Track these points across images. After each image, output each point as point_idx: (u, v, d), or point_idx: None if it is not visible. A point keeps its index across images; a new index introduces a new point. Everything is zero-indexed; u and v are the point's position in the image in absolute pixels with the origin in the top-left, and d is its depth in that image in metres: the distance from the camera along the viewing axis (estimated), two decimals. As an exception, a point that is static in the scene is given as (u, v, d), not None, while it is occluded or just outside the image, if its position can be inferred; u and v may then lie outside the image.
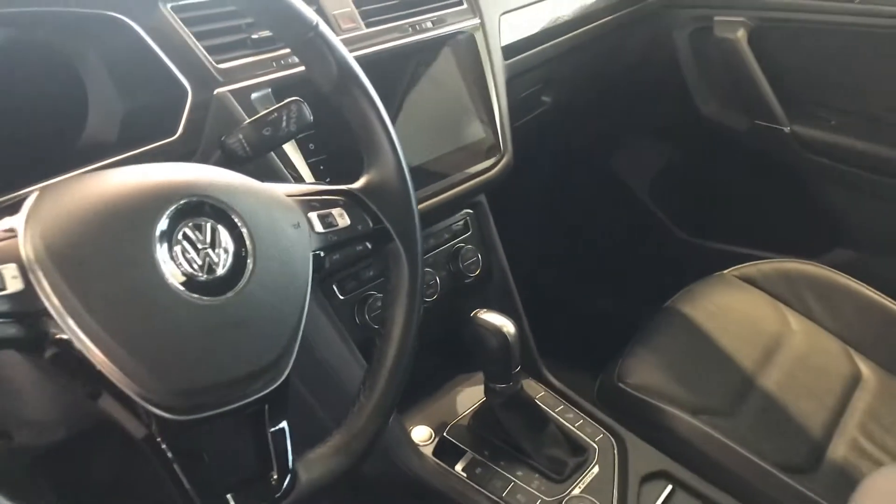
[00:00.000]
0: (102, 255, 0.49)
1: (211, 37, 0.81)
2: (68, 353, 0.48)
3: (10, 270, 0.47)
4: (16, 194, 0.60)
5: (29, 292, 0.47)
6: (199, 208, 0.54)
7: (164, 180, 0.55)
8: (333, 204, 0.65)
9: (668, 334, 1.21)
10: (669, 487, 0.97)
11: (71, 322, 0.47)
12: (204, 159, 0.75)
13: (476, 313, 0.93)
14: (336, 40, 0.66)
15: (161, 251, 0.51)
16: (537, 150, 1.14)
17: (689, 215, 1.93)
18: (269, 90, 0.82)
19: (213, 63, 0.79)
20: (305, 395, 0.91)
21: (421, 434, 0.99)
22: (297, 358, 0.58)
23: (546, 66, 1.31)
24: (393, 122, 0.72)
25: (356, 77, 0.67)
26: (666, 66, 1.71)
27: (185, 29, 0.78)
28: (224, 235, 0.54)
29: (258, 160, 0.74)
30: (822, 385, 1.15)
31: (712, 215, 1.89)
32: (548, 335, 1.21)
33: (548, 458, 0.97)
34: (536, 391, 1.08)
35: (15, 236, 0.48)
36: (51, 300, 0.47)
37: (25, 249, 0.47)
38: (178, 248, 0.52)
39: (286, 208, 0.61)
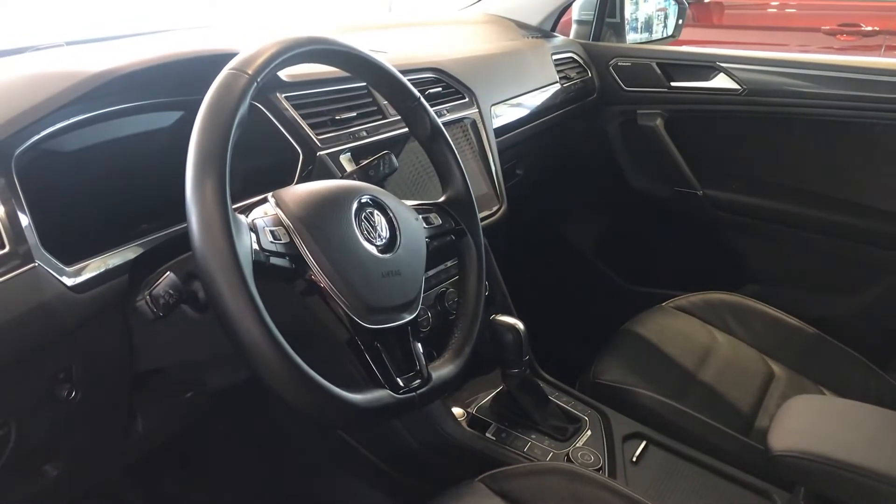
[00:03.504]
0: (326, 225, 0.79)
1: (309, 117, 1.08)
2: (312, 287, 0.77)
3: (282, 230, 0.77)
4: (250, 201, 0.87)
5: (292, 243, 0.77)
6: (370, 203, 0.86)
7: (351, 186, 0.86)
8: (429, 211, 0.97)
9: (627, 347, 1.47)
10: (644, 443, 1.24)
11: (312, 261, 0.77)
12: None
13: (494, 317, 1.19)
14: (430, 109, 0.98)
15: (355, 225, 0.82)
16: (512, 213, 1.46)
17: (629, 267, 2.18)
18: (350, 154, 1.11)
19: (315, 135, 1.07)
20: None
21: (457, 413, 1.24)
22: None
23: (519, 146, 1.63)
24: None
25: (442, 132, 0.99)
26: (602, 150, 2.05)
27: (295, 111, 1.07)
28: (383, 220, 0.86)
29: None
30: (747, 380, 1.43)
31: (647, 265, 2.15)
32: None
33: (552, 426, 1.24)
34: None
35: (276, 214, 0.78)
36: (302, 248, 0.77)
37: (285, 221, 0.78)
38: (363, 224, 0.83)
39: (409, 209, 0.92)
